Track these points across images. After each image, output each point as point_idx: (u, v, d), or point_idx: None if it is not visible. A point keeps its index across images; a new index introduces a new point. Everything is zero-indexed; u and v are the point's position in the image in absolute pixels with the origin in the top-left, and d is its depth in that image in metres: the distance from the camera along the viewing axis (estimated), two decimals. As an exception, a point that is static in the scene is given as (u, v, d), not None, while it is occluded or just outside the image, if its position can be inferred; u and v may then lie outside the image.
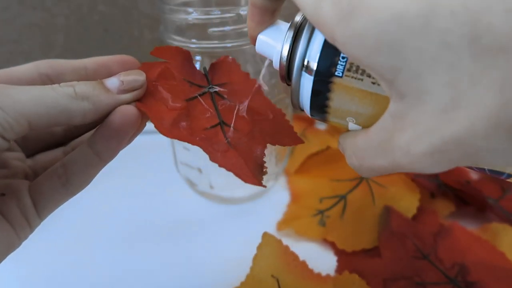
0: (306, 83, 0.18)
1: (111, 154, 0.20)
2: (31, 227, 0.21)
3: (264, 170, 0.21)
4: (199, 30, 0.30)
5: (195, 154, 0.35)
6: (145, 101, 0.20)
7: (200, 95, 0.22)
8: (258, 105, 0.23)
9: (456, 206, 0.37)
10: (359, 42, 0.14)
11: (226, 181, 0.37)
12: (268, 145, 0.23)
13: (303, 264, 0.31)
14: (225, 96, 0.23)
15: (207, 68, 0.24)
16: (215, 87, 0.23)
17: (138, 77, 0.20)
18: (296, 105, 0.20)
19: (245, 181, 0.20)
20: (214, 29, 0.30)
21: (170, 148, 0.38)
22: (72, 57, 0.46)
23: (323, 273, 0.31)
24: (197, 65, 0.32)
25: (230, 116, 0.22)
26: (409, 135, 0.14)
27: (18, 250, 0.22)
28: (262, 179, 0.21)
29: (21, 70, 0.21)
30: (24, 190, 0.20)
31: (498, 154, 0.13)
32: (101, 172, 0.21)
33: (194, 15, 0.30)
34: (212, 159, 0.20)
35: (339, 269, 0.32)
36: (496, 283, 0.29)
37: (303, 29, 0.19)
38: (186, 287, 0.31)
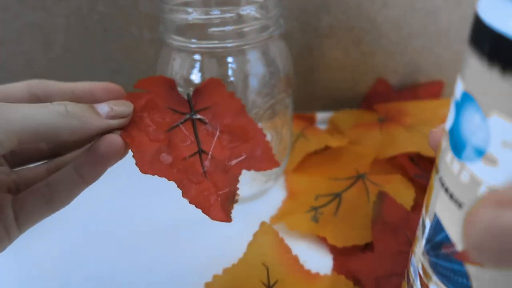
0: None
1: (94, 177, 0.21)
2: (10, 239, 0.22)
3: (236, 198, 0.22)
4: (199, 30, 0.30)
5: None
6: (129, 130, 0.22)
7: (182, 122, 0.23)
8: (239, 126, 0.24)
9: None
10: None
11: (226, 181, 0.37)
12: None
13: (295, 258, 0.31)
14: (207, 121, 0.24)
15: (191, 94, 0.24)
16: (196, 114, 0.24)
17: (126, 108, 0.21)
18: None
19: (213, 218, 0.21)
20: (214, 29, 0.30)
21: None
22: (72, 57, 0.46)
23: (313, 271, 0.31)
24: (197, 65, 0.32)
25: (210, 142, 0.23)
26: None
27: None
28: (232, 209, 0.22)
29: (14, 89, 0.22)
30: (7, 203, 0.21)
31: None
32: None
33: (194, 15, 0.30)
34: (185, 195, 0.21)
35: (333, 269, 0.32)
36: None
37: None
38: (185, 286, 0.31)
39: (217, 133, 0.23)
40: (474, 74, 0.15)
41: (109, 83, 0.23)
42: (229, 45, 0.30)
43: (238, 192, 0.22)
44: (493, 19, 0.13)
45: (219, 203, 0.21)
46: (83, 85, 0.23)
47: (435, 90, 0.52)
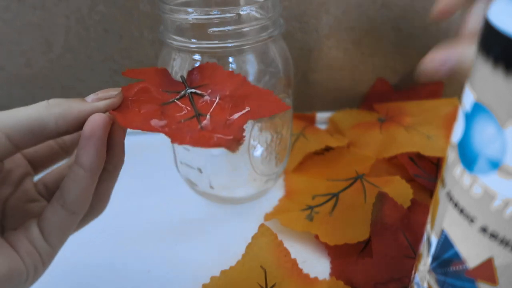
0: None
1: (94, 164, 0.21)
2: (41, 257, 0.21)
3: (241, 141, 0.20)
4: (199, 30, 0.30)
5: (195, 154, 0.35)
6: (120, 110, 0.21)
7: (178, 98, 0.22)
8: (242, 93, 0.23)
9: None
10: None
11: (226, 181, 0.37)
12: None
13: (294, 261, 0.31)
14: (205, 94, 0.23)
15: (185, 76, 0.24)
16: (192, 89, 0.23)
17: (113, 91, 0.21)
18: None
19: (216, 144, 0.19)
20: (214, 29, 0.30)
21: (170, 148, 0.38)
22: (72, 57, 0.46)
23: (311, 275, 0.31)
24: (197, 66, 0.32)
25: (209, 108, 0.22)
26: None
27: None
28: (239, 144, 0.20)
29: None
30: (32, 219, 0.22)
31: None
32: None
33: (194, 15, 0.30)
34: (173, 141, 0.20)
35: (331, 274, 0.32)
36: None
37: None
38: (184, 285, 0.31)
39: (217, 100, 0.22)
40: (487, 84, 0.14)
41: (107, 90, 0.23)
42: (229, 45, 0.30)
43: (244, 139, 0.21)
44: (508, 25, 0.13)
45: (221, 136, 0.20)
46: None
47: (435, 90, 0.52)
